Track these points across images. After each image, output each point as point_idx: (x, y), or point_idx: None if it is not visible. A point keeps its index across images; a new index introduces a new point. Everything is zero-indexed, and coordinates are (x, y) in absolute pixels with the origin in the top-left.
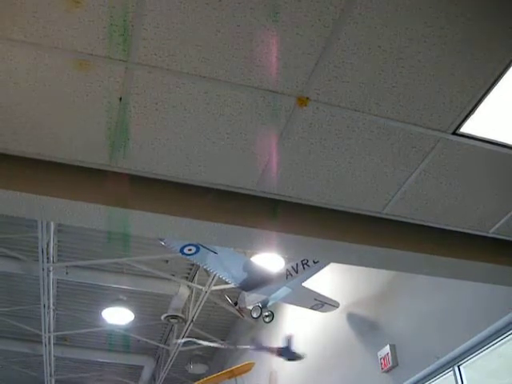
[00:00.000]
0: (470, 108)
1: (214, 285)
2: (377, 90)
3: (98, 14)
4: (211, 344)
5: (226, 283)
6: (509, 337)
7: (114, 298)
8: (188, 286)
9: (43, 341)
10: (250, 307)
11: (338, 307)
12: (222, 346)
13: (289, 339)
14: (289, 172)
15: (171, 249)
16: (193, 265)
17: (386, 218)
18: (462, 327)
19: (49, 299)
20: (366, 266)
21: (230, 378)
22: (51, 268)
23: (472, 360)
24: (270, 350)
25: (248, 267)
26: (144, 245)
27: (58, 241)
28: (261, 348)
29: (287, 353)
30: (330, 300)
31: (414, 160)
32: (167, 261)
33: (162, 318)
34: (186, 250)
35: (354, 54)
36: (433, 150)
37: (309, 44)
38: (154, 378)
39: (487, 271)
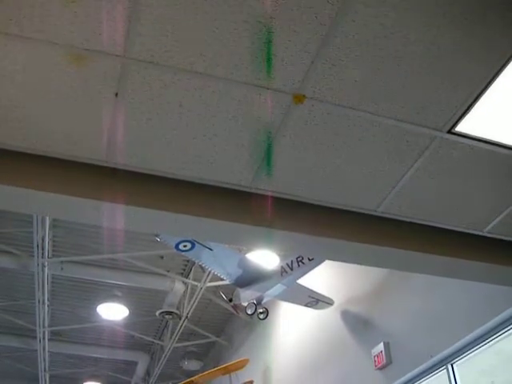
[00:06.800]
0: (466, 107)
1: (209, 281)
2: (373, 88)
3: (94, 8)
4: None
5: (221, 280)
6: (503, 335)
7: (109, 294)
8: (183, 282)
9: (38, 336)
10: (245, 304)
11: (332, 305)
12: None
13: None
14: (284, 169)
15: (166, 245)
16: (188, 261)
17: (380, 216)
18: (456, 325)
19: (43, 294)
20: (361, 263)
21: (224, 374)
22: (46, 263)
23: (465, 358)
24: None
25: (243, 264)
26: (139, 241)
27: (53, 236)
28: None
29: None
30: (325, 297)
31: (409, 158)
32: (162, 257)
33: (157, 313)
34: (181, 246)
35: (350, 53)
36: (428, 149)
37: (305, 41)
38: (148, 373)
39: (482, 270)
